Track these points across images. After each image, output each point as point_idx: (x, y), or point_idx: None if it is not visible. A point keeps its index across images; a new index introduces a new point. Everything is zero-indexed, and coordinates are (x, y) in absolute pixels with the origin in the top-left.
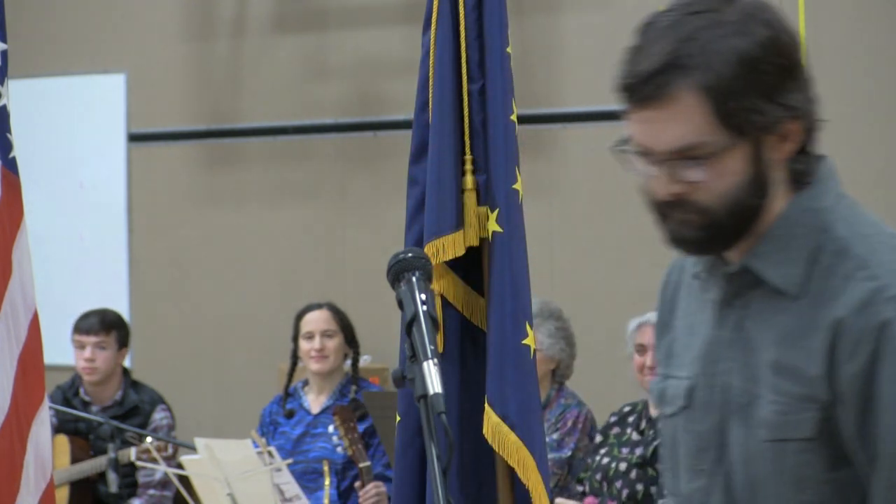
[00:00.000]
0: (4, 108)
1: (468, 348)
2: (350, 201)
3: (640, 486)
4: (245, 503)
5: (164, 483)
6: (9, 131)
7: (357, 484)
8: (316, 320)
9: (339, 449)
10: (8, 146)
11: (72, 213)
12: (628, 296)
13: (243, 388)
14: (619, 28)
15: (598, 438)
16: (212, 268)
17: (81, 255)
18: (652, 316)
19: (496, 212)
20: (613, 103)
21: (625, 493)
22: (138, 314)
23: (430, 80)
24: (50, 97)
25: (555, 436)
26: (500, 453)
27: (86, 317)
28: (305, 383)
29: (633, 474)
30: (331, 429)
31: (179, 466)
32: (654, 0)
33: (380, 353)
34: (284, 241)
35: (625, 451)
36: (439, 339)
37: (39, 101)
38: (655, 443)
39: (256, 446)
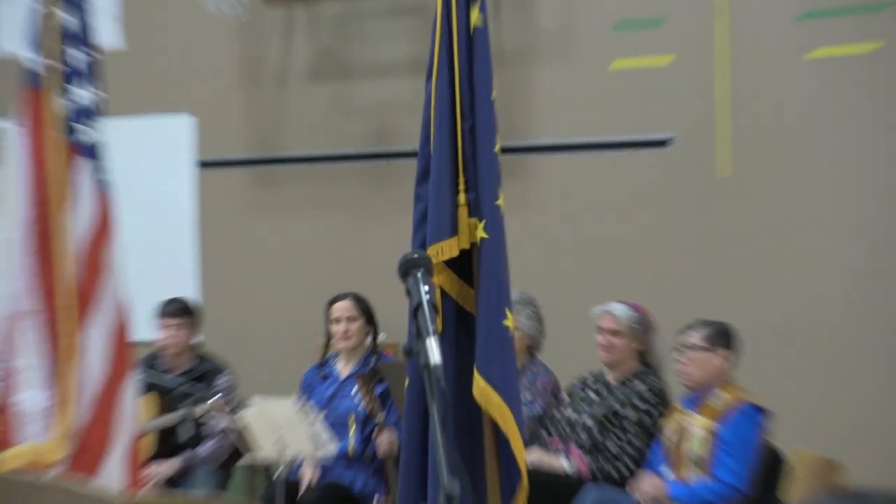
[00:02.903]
0: (101, 142)
1: (461, 328)
2: (369, 213)
3: (599, 437)
4: (289, 445)
5: (227, 432)
6: (104, 159)
7: (375, 433)
8: (341, 308)
9: (361, 406)
10: (103, 170)
11: (155, 225)
12: (586, 288)
13: (288, 358)
14: (581, 79)
15: (566, 398)
16: (262, 265)
17: (162, 257)
18: (612, 306)
19: (483, 222)
20: (577, 136)
21: (588, 441)
22: (207, 302)
23: (432, 120)
24: (133, 134)
25: (528, 396)
26: (487, 410)
27: (169, 303)
28: (337, 355)
29: (595, 428)
30: (354, 390)
31: (239, 419)
32: (606, 57)
33: (393, 331)
34: (318, 244)
35: (587, 407)
36: (439, 321)
37: (124, 138)
38: (609, 403)
39: (298, 403)
